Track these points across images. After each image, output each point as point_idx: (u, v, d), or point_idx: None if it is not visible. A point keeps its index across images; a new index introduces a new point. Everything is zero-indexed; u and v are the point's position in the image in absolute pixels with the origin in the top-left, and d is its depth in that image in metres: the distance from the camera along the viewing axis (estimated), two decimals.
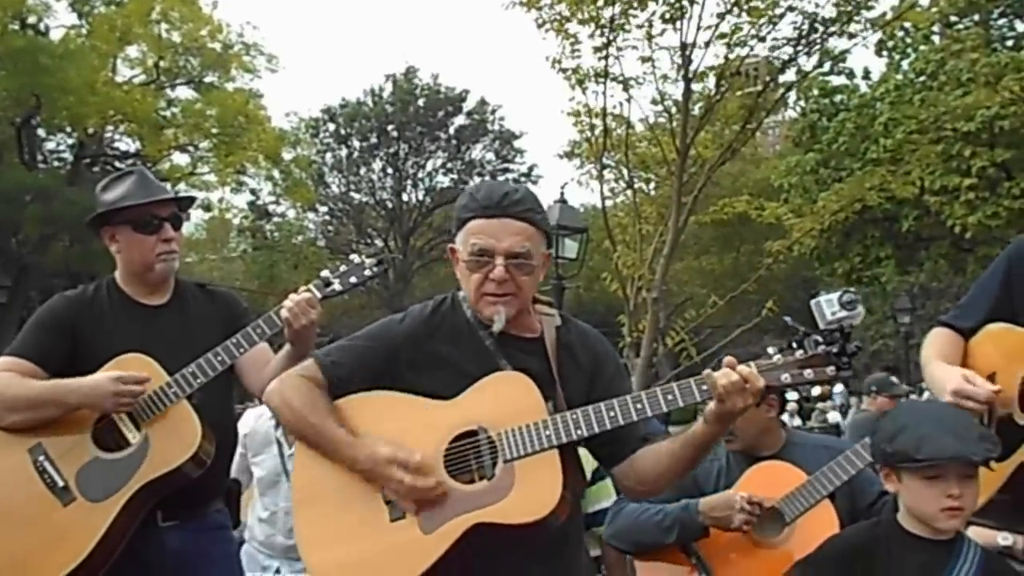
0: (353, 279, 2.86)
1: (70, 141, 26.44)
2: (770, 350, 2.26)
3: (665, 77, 9.52)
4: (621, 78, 9.49)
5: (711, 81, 9.73)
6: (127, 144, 26.50)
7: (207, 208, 28.74)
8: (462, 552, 2.26)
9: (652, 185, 12.53)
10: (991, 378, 2.45)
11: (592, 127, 9.82)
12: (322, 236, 37.26)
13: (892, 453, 2.34)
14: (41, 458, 2.81)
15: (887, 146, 19.03)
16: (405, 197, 37.78)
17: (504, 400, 2.32)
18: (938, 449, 2.25)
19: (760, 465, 3.13)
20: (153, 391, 2.80)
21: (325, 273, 2.87)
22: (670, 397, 2.24)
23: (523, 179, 35.68)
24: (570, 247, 12.48)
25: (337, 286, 2.85)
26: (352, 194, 37.68)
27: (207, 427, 2.80)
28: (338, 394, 2.41)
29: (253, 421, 4.07)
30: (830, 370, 2.21)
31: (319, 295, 2.84)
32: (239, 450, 4.01)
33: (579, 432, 2.26)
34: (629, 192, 11.29)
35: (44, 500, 2.79)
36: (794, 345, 2.24)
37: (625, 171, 10.73)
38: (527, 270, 2.37)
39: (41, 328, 2.96)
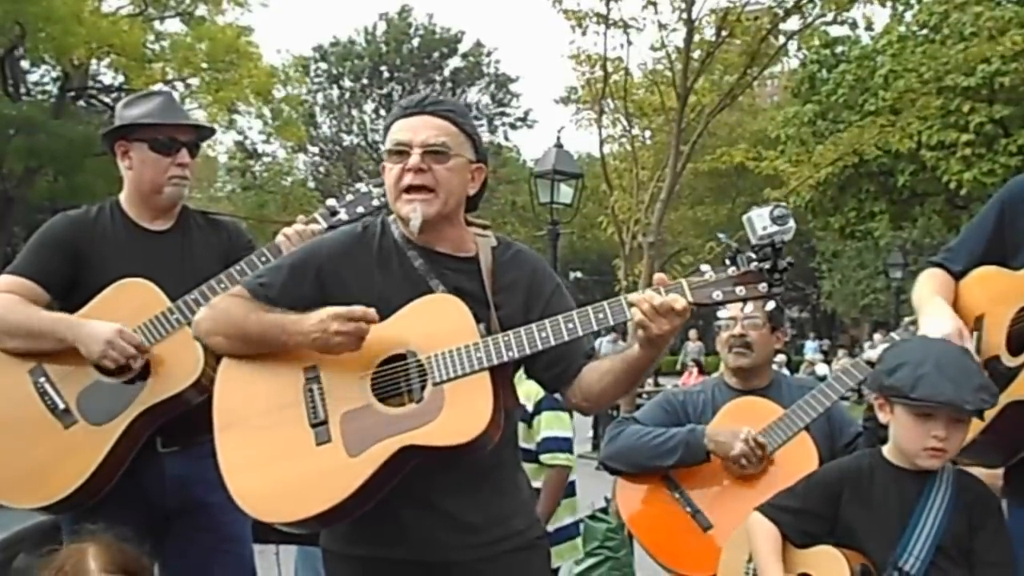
0: (360, 208, 2.88)
1: (55, 73, 26.08)
2: (703, 267, 2.29)
3: (664, 26, 9.47)
4: (621, 23, 9.44)
5: (711, 30, 9.68)
6: (112, 77, 26.16)
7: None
8: (391, 476, 2.28)
9: (649, 133, 12.53)
10: (979, 320, 2.52)
11: (592, 71, 9.79)
12: (312, 178, 37.05)
13: (889, 386, 2.42)
14: (42, 379, 2.86)
15: (886, 98, 18.94)
16: None
17: (434, 322, 2.34)
18: (932, 392, 2.32)
19: (740, 399, 3.25)
20: (155, 316, 2.83)
21: (331, 202, 2.89)
22: (601, 316, 2.28)
23: (519, 124, 35.53)
24: (565, 193, 12.51)
25: (344, 215, 2.86)
26: (343, 135, 37.41)
27: (209, 354, 2.81)
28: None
29: None
30: (762, 287, 2.24)
31: (324, 224, 2.86)
32: None
33: (510, 354, 2.28)
34: (626, 139, 11.29)
35: (45, 422, 2.84)
36: (726, 262, 2.26)
37: (623, 117, 10.72)
38: (443, 161, 2.39)
39: (43, 247, 2.98)
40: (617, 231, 9.81)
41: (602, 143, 10.89)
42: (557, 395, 4.30)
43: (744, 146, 15.30)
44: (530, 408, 4.22)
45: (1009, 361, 2.40)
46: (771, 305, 2.39)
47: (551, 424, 4.12)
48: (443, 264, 2.44)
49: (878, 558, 2.45)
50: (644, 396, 10.94)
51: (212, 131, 3.35)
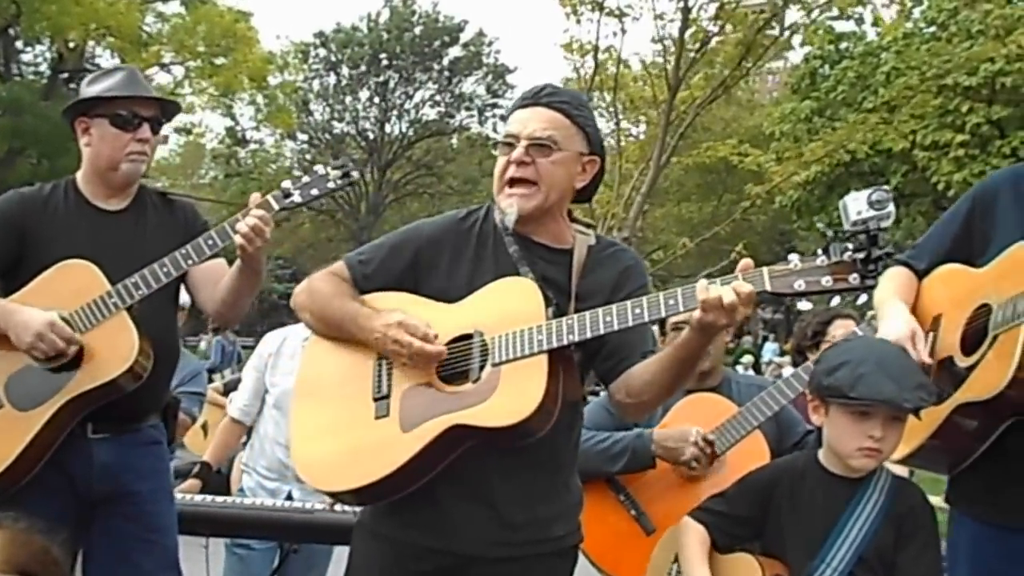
0: (315, 191, 2.81)
1: (48, 54, 25.96)
2: (791, 256, 2.13)
3: (660, 16, 9.38)
4: (617, 11, 9.36)
5: (707, 20, 9.60)
6: (108, 60, 26.02)
7: (187, 132, 28.39)
8: (441, 456, 2.27)
9: (640, 127, 12.47)
10: (936, 320, 2.44)
11: (583, 61, 9.70)
12: (298, 166, 36.94)
13: (827, 386, 2.35)
14: None
15: (884, 96, 18.86)
16: (388, 128, 37.41)
17: (505, 304, 2.32)
18: (872, 390, 2.26)
19: (692, 397, 3.15)
20: (93, 300, 2.75)
21: (286, 184, 2.82)
22: (671, 302, 2.18)
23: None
24: None
25: (297, 197, 2.80)
26: (334, 123, 37.28)
27: (146, 340, 2.75)
28: (365, 289, 2.47)
29: (279, 340, 4.05)
30: (853, 278, 2.05)
31: (277, 206, 2.79)
32: (253, 373, 4.04)
33: (571, 336, 2.22)
34: (613, 130, 11.21)
35: None
36: (818, 252, 2.10)
37: (613, 109, 10.65)
38: (548, 154, 2.35)
39: None
40: (592, 226, 9.74)
41: None
42: None
43: (732, 141, 15.24)
44: None
45: (961, 362, 2.31)
46: (805, 305, 2.17)
47: None
48: (537, 253, 2.43)
49: (797, 567, 2.39)
50: None
51: (177, 107, 3.25)
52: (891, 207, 2.08)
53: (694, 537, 2.51)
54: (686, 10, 9.14)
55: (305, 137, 37.48)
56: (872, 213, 2.09)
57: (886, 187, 2.14)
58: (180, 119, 26.77)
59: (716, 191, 26.27)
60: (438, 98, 37.62)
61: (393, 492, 2.33)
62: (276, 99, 28.34)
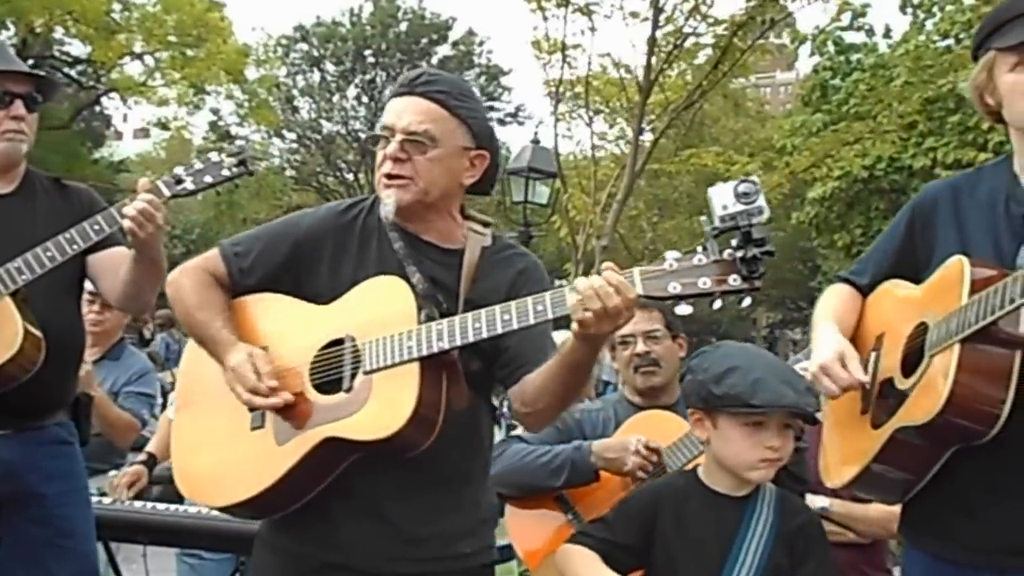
0: (208, 178, 2.84)
1: (14, 40, 25.98)
2: (668, 254, 2.10)
3: (634, 14, 9.41)
4: (585, 8, 9.40)
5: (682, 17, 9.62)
6: (77, 48, 26.08)
7: (164, 126, 28.41)
8: (320, 470, 2.29)
9: (615, 130, 12.52)
10: (879, 340, 2.48)
11: (549, 59, 9.72)
12: (288, 165, 37.00)
13: (720, 396, 2.36)
14: None
15: (899, 111, 18.97)
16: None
17: (377, 306, 2.32)
18: (775, 396, 2.29)
19: (644, 414, 3.20)
20: None
21: (178, 170, 2.86)
22: (539, 308, 2.19)
23: (509, 119, 35.50)
24: (541, 192, 12.47)
25: (189, 184, 2.83)
26: (322, 122, 37.34)
27: (35, 330, 2.76)
28: (241, 284, 2.47)
29: None
30: (733, 279, 2.03)
31: (167, 193, 2.82)
32: None
33: (440, 344, 2.23)
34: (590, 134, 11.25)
35: None
36: (697, 250, 2.09)
37: (586, 111, 10.69)
38: (424, 151, 2.36)
39: None
40: (571, 232, 9.76)
41: (556, 136, 10.89)
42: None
43: (716, 148, 15.31)
44: None
45: (901, 383, 2.35)
46: (684, 309, 2.20)
47: None
48: (424, 252, 2.43)
49: None
50: None
51: (53, 83, 3.28)
52: (761, 200, 2.03)
53: (586, 555, 2.48)
54: (658, 10, 9.15)
55: (293, 136, 37.52)
56: (740, 207, 2.03)
57: (754, 178, 2.09)
58: (155, 113, 26.90)
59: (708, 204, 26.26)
60: None
61: (278, 507, 2.36)
62: (256, 94, 28.35)
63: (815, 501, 3.32)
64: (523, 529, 3.27)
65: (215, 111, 31.34)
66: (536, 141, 12.83)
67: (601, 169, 10.30)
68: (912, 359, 2.33)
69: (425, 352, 2.23)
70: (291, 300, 2.44)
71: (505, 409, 2.66)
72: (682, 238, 26.74)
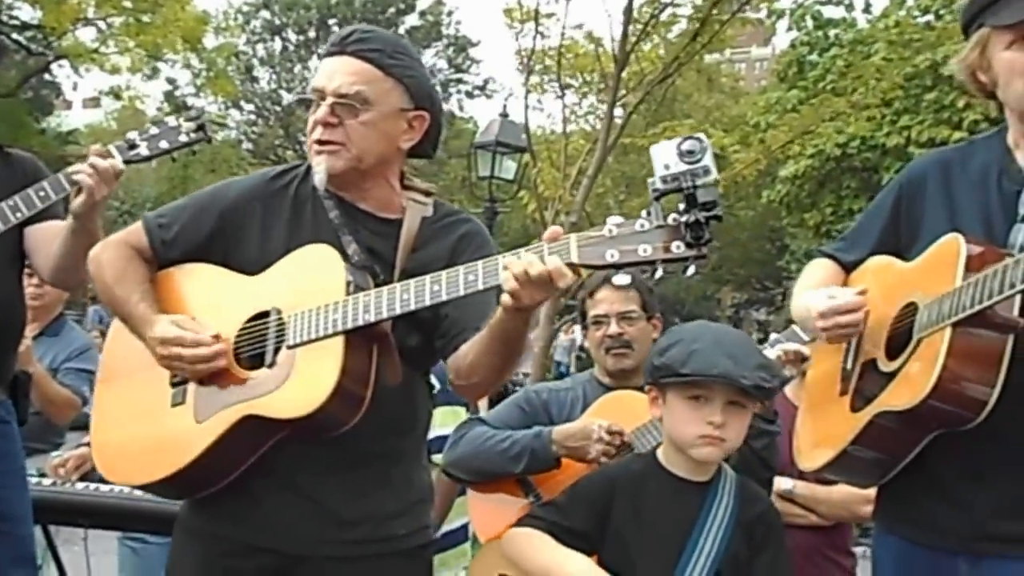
0: (164, 144, 2.76)
1: None
2: (610, 220, 2.00)
3: None
4: None
5: None
6: (26, 12, 25.60)
7: (116, 95, 28.02)
8: (242, 448, 2.24)
9: (588, 103, 12.46)
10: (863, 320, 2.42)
11: (522, 27, 9.63)
12: (245, 137, 36.61)
13: (658, 367, 2.33)
14: None
15: (876, 88, 19.06)
16: None
17: (305, 277, 2.26)
18: (706, 365, 2.25)
19: (612, 395, 3.14)
20: None
21: (132, 134, 2.77)
22: (471, 278, 2.11)
23: (477, 92, 35.30)
24: (508, 167, 12.37)
25: (143, 150, 2.75)
26: (282, 92, 36.96)
27: None
28: (166, 257, 2.40)
29: None
30: (677, 246, 1.93)
31: (119, 158, 2.72)
32: None
33: (367, 316, 2.16)
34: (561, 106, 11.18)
35: None
36: (641, 214, 1.98)
37: (558, 84, 10.60)
38: (356, 114, 2.28)
39: None
40: (539, 208, 9.69)
41: (527, 108, 10.82)
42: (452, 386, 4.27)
43: (691, 121, 15.31)
44: None
45: (885, 366, 2.30)
46: (621, 279, 2.12)
47: (445, 420, 4.03)
48: (361, 222, 2.37)
49: None
50: None
51: (0, 49, 3.15)
52: (707, 160, 1.93)
53: (539, 538, 2.42)
54: None
55: (252, 107, 37.11)
56: (683, 167, 1.91)
57: (701, 135, 1.99)
58: (107, 81, 26.48)
59: None
60: None
61: (198, 487, 2.31)
62: (215, 63, 28.00)
63: (780, 483, 3.33)
64: (484, 513, 3.23)
65: (171, 80, 30.94)
66: (505, 114, 12.76)
67: (572, 143, 10.22)
68: (898, 341, 2.27)
69: (350, 325, 2.16)
70: (219, 271, 2.38)
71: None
72: (617, 184, 26.77)
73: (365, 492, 2.33)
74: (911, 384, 2.16)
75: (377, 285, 2.24)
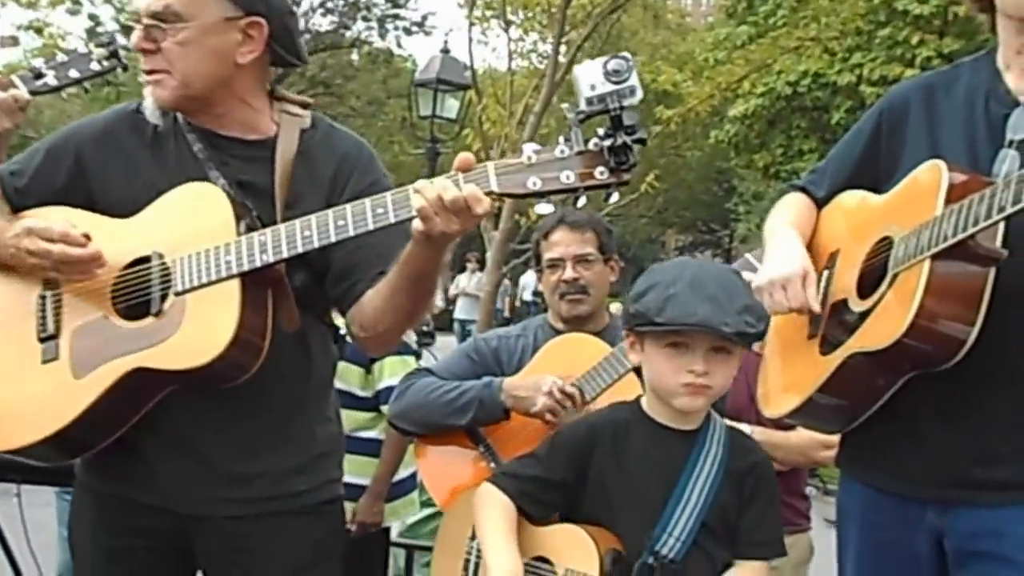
0: (74, 72, 2.56)
1: None
2: (527, 147, 1.94)
3: None
4: None
5: None
6: None
7: (38, 31, 27.18)
8: (129, 404, 2.13)
9: (533, 37, 12.30)
10: (832, 257, 2.33)
11: None
12: None
13: (634, 314, 2.23)
14: None
15: (828, 23, 19.04)
16: None
17: (189, 217, 2.12)
18: (683, 312, 2.14)
19: (561, 338, 3.06)
20: None
21: (37, 62, 2.57)
22: (380, 211, 2.00)
23: (415, 29, 34.72)
24: (451, 106, 12.19)
25: (51, 79, 2.55)
26: None
27: None
28: (21, 206, 2.26)
29: None
30: (600, 172, 1.89)
31: (24, 88, 2.53)
32: None
33: (264, 257, 2.04)
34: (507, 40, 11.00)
35: None
36: (560, 140, 1.92)
37: (502, 18, 10.41)
38: (169, 34, 2.12)
39: None
40: (484, 147, 9.54)
41: (471, 40, 10.64)
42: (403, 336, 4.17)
43: (642, 57, 15.21)
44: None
45: (856, 305, 2.20)
46: (544, 208, 2.02)
47: (395, 370, 3.96)
48: (228, 150, 2.23)
49: (632, 539, 2.27)
50: None
51: None
52: (634, 79, 1.88)
53: (497, 508, 2.34)
54: None
55: None
56: (610, 87, 1.86)
57: (626, 54, 1.93)
58: (26, 16, 25.62)
59: (645, 124, 26.33)
60: (330, 4, 36.61)
61: (80, 448, 2.21)
62: None
63: (736, 428, 3.36)
64: (433, 465, 3.15)
65: (93, 17, 30.03)
66: (446, 51, 12.52)
67: (517, 80, 10.08)
68: (871, 279, 2.18)
69: (247, 267, 2.06)
70: (87, 215, 2.23)
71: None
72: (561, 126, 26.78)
73: (261, 447, 2.25)
74: (885, 323, 2.07)
75: (258, 221, 2.13)
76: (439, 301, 18.11)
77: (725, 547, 2.29)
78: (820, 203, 2.47)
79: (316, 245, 2.04)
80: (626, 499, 2.29)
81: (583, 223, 3.13)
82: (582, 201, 1.98)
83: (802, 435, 3.07)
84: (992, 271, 1.97)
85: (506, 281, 20.62)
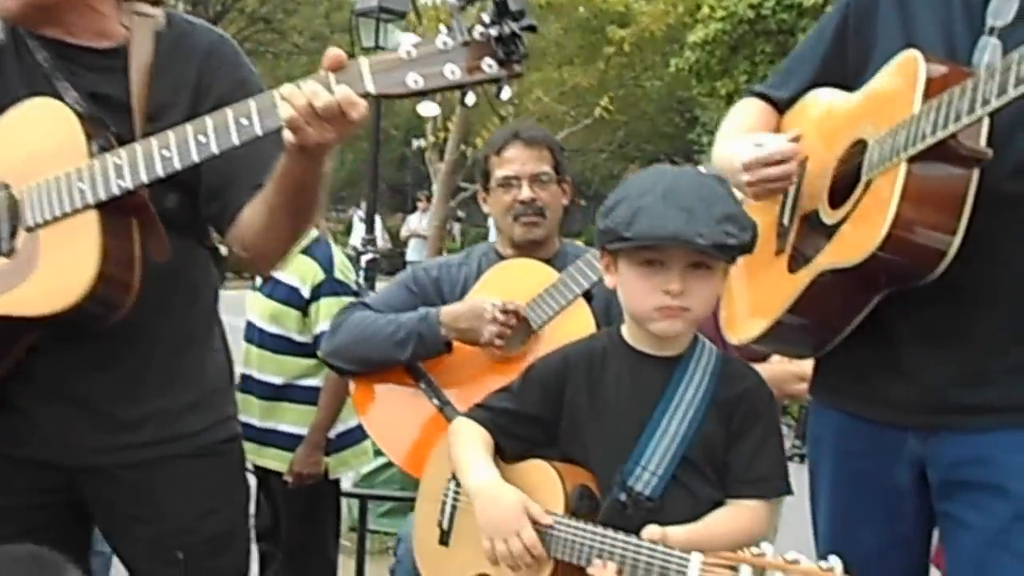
0: None
1: None
2: (403, 38, 1.81)
3: None
4: None
5: None
6: None
7: None
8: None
9: None
10: (801, 165, 2.19)
11: None
12: None
13: (604, 231, 2.06)
14: None
15: None
16: None
17: (33, 140, 1.95)
18: (652, 225, 1.96)
19: (501, 264, 2.92)
20: None
21: None
22: (244, 121, 1.83)
23: None
24: (395, 35, 11.91)
25: None
26: None
27: None
28: None
29: None
30: (488, 65, 1.77)
31: None
32: None
33: (122, 183, 1.88)
34: None
35: None
36: (442, 29, 1.79)
37: None
38: None
39: None
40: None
41: None
42: (341, 276, 3.99)
43: None
44: (306, 293, 3.97)
45: (827, 217, 2.06)
46: (428, 109, 1.89)
47: (332, 312, 3.79)
48: (77, 60, 2.04)
49: (606, 474, 2.11)
50: None
51: None
52: None
53: (470, 438, 2.20)
54: None
55: None
56: None
57: None
58: None
59: (601, 53, 26.07)
60: None
61: None
62: None
63: None
64: (367, 394, 3.00)
65: None
66: None
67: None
68: (843, 187, 2.04)
69: (103, 196, 1.90)
70: None
71: None
72: (550, 92, 26.43)
73: (147, 387, 2.14)
74: (858, 235, 1.93)
75: (116, 138, 1.96)
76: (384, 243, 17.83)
77: (713, 485, 2.11)
78: (782, 107, 2.32)
79: (178, 166, 1.87)
80: (599, 432, 2.14)
81: (539, 140, 2.98)
82: (470, 99, 1.84)
83: (774, 367, 2.98)
84: (975, 173, 1.82)
85: (455, 224, 20.42)
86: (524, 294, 2.78)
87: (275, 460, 4.08)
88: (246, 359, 4.14)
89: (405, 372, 2.90)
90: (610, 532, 1.97)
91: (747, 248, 2.05)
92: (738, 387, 2.14)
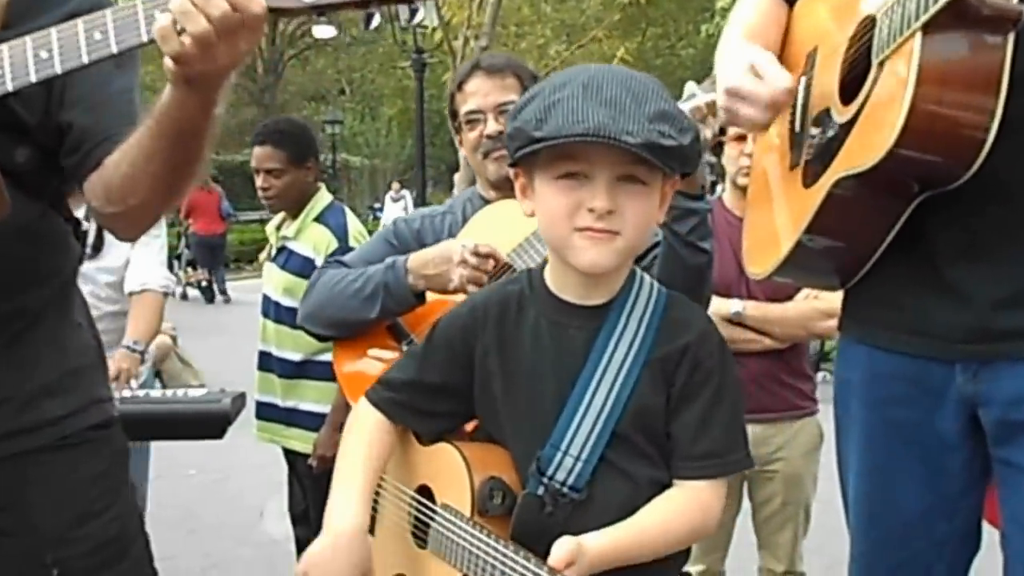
0: None
1: None
2: None
3: None
4: None
5: None
6: None
7: None
8: None
9: None
10: (810, 57, 1.89)
11: None
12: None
13: (511, 135, 1.71)
14: None
15: None
16: None
17: None
18: (569, 121, 1.61)
19: (490, 207, 2.66)
20: None
21: None
22: (98, 36, 1.53)
23: None
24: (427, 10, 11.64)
25: None
26: None
27: None
28: None
29: None
30: None
31: None
32: None
33: None
34: None
35: None
36: None
37: None
38: None
39: None
40: (446, 36, 9.12)
41: None
42: (355, 244, 3.76)
43: None
44: (320, 263, 3.72)
45: (839, 114, 1.76)
46: (325, 31, 1.66)
47: None
48: None
49: (523, 456, 1.77)
50: None
51: None
52: None
53: (358, 439, 1.89)
54: None
55: None
56: None
57: None
58: None
59: (639, 25, 25.80)
60: None
61: None
62: None
63: (727, 305, 3.16)
64: (347, 356, 2.75)
65: None
66: None
67: None
68: (856, 76, 1.73)
69: None
70: None
71: None
72: (558, 35, 26.31)
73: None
74: (873, 131, 1.63)
75: None
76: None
77: (654, 463, 1.74)
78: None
79: (10, 89, 1.59)
80: (513, 405, 1.79)
81: (501, 67, 2.72)
82: (376, 21, 1.69)
83: (800, 305, 2.73)
84: (1010, 39, 1.51)
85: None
86: (512, 239, 2.51)
87: (300, 441, 3.95)
88: (263, 335, 4.03)
89: (387, 333, 2.66)
90: (485, 544, 1.68)
91: (688, 158, 1.71)
92: (681, 339, 1.75)
